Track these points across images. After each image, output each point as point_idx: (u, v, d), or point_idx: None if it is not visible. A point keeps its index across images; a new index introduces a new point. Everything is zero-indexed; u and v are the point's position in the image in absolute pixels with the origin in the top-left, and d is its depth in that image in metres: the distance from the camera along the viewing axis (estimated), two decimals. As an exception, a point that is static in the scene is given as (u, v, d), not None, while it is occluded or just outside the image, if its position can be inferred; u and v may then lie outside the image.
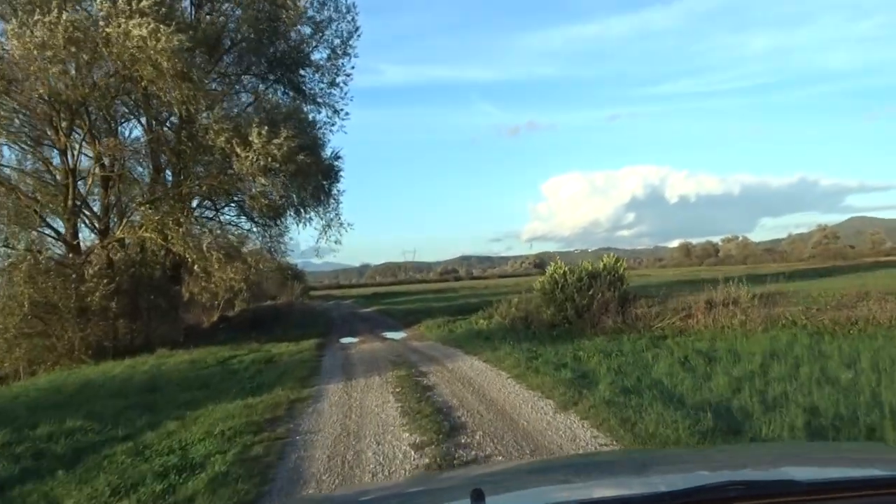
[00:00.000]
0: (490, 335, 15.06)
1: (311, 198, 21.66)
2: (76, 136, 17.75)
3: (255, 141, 16.11)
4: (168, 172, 20.21)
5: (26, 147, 18.04)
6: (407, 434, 6.49)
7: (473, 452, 5.77)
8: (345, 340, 18.27)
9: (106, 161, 18.44)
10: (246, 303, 31.80)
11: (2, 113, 16.41)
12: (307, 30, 20.47)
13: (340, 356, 14.43)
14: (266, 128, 16.34)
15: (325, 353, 15.24)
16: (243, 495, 4.92)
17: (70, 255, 17.54)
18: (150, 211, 17.82)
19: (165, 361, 14.13)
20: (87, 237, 18.83)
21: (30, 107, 16.03)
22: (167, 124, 19.74)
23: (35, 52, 14.26)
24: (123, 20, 14.50)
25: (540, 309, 16.72)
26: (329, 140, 22.43)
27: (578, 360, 10.30)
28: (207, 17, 18.68)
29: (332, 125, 22.09)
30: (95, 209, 19.18)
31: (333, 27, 20.69)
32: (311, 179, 19.81)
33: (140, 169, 20.91)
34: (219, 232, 20.13)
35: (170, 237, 16.96)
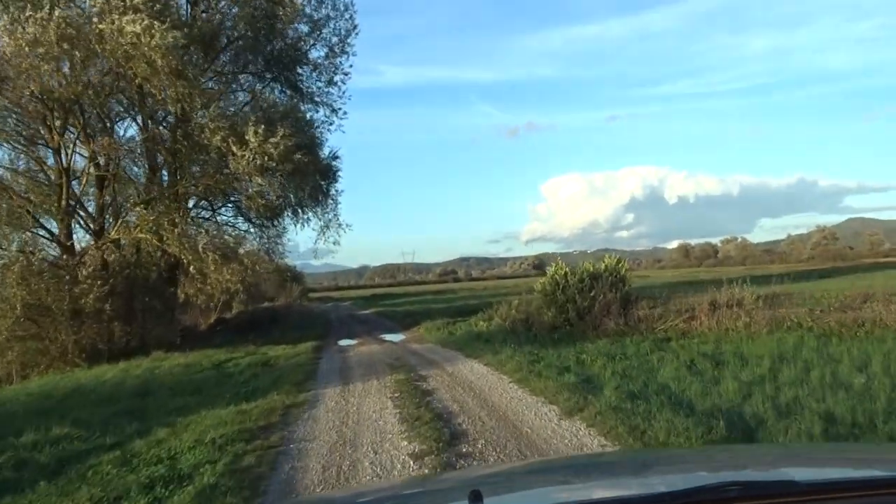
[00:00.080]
0: (490, 337, 14.81)
1: (309, 198, 21.40)
2: (70, 134, 17.48)
3: (252, 140, 15.85)
4: (164, 172, 19.97)
5: (20, 146, 17.77)
6: (405, 442, 6.22)
7: (475, 463, 5.52)
8: (343, 343, 18.01)
9: (101, 160, 18.16)
10: (244, 304, 31.59)
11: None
12: (304, 28, 20.25)
13: (338, 359, 14.17)
14: (262, 126, 16.08)
15: (322, 355, 14.98)
16: (232, 510, 4.66)
17: (64, 257, 17.26)
18: (145, 211, 17.56)
19: (160, 365, 13.85)
20: (81, 238, 18.58)
21: (22, 105, 15.75)
22: (163, 123, 19.47)
23: (27, 48, 14.02)
24: (117, 16, 14.26)
25: (541, 311, 16.46)
26: (327, 139, 22.22)
27: (582, 364, 10.04)
28: (203, 14, 18.43)
29: (330, 124, 21.85)
30: (90, 209, 18.92)
31: (331, 25, 20.46)
32: (309, 179, 19.54)
33: (135, 169, 20.66)
34: (215, 232, 19.87)
35: (165, 238, 16.67)
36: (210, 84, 19.32)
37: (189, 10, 18.36)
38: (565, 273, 16.27)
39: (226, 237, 19.75)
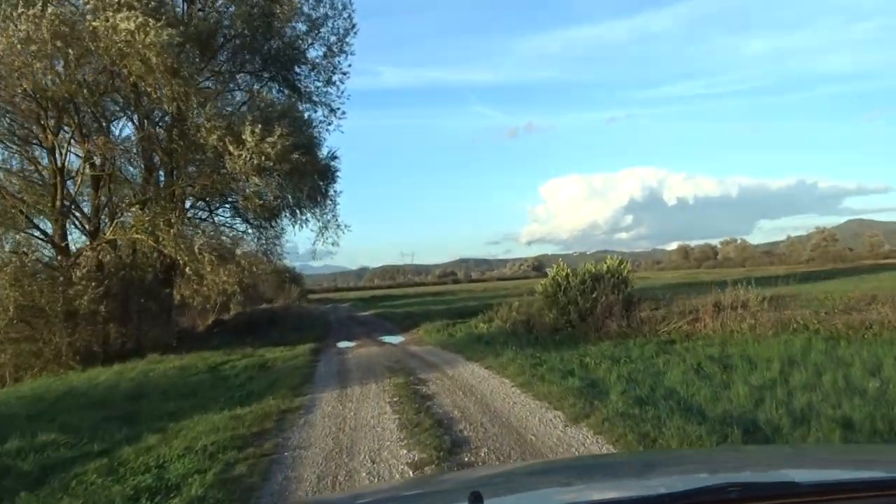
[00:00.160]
0: (491, 340, 14.56)
1: (308, 199, 21.11)
2: (65, 134, 17.21)
3: (249, 139, 15.61)
4: (161, 172, 19.72)
5: (13, 146, 17.50)
6: (405, 451, 5.96)
7: (478, 472, 5.25)
8: (341, 345, 17.76)
9: (97, 160, 17.91)
10: (241, 306, 31.34)
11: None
12: (302, 27, 20.04)
13: (336, 362, 13.91)
14: (259, 126, 15.84)
15: (320, 358, 14.73)
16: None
17: (58, 258, 17.00)
18: (140, 212, 17.31)
19: (154, 367, 13.60)
20: (77, 239, 18.30)
21: (14, 103, 15.49)
22: (159, 123, 19.22)
23: (19, 46, 13.77)
24: (111, 13, 14.02)
25: (542, 312, 16.24)
26: (325, 139, 21.96)
27: (586, 367, 9.78)
28: (199, 12, 18.22)
29: (329, 124, 21.63)
30: (86, 210, 18.66)
31: (329, 24, 20.25)
32: (307, 179, 19.27)
33: (131, 169, 20.38)
34: (212, 233, 19.62)
35: (161, 238, 16.42)
36: (207, 84, 19.11)
37: (185, 8, 18.14)
38: (567, 274, 16.04)
39: (223, 238, 19.52)
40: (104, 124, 18.52)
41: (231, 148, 15.88)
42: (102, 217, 18.52)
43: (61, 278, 15.99)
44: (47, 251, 17.53)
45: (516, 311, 17.41)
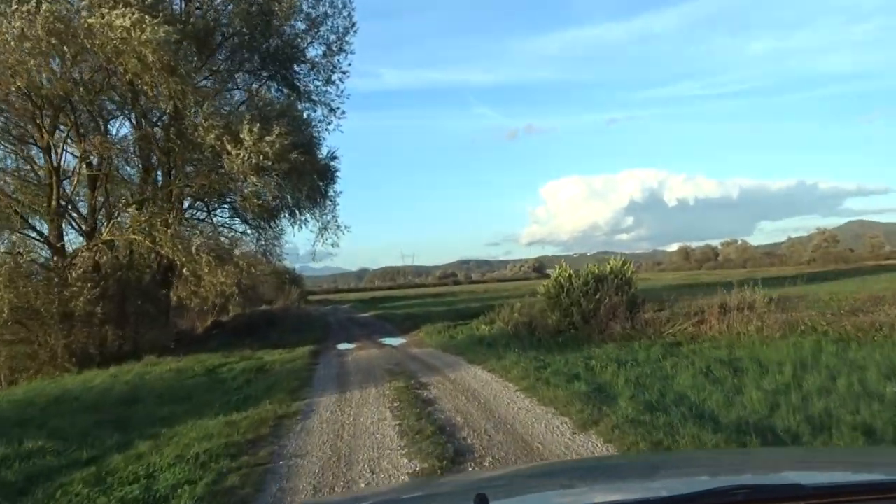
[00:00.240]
0: (493, 342, 14.30)
1: (307, 199, 20.90)
2: (61, 133, 16.98)
3: (247, 138, 15.38)
4: (158, 172, 19.49)
5: (8, 145, 17.25)
6: (405, 460, 5.69)
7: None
8: (341, 347, 17.51)
9: (94, 160, 17.67)
10: (241, 307, 31.09)
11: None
12: (301, 25, 19.82)
13: (335, 364, 13.66)
14: (258, 124, 15.61)
15: (319, 360, 14.47)
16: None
17: (54, 258, 16.76)
18: (137, 212, 17.06)
19: (151, 370, 13.35)
20: (74, 240, 18.05)
21: (8, 101, 15.24)
22: (157, 123, 18.99)
23: (13, 43, 13.53)
24: (106, 10, 13.78)
25: (544, 314, 15.99)
26: (325, 139, 21.74)
27: (591, 371, 9.51)
28: (197, 10, 17.98)
29: (328, 124, 21.40)
30: (83, 210, 18.41)
31: (329, 23, 20.02)
32: (306, 179, 19.04)
33: (129, 169, 20.15)
34: (210, 234, 19.38)
35: (158, 239, 16.17)
36: (206, 83, 18.88)
37: (183, 6, 17.89)
38: (570, 275, 15.80)
39: (221, 238, 19.29)
40: (101, 123, 18.29)
41: (229, 147, 15.65)
42: (99, 217, 18.27)
43: (57, 279, 15.77)
44: (44, 252, 17.29)
45: (518, 312, 17.17)
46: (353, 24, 20.22)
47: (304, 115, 20.56)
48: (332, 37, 20.19)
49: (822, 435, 5.42)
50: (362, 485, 5.12)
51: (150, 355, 15.36)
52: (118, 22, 13.59)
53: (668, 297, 17.55)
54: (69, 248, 17.34)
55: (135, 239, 16.88)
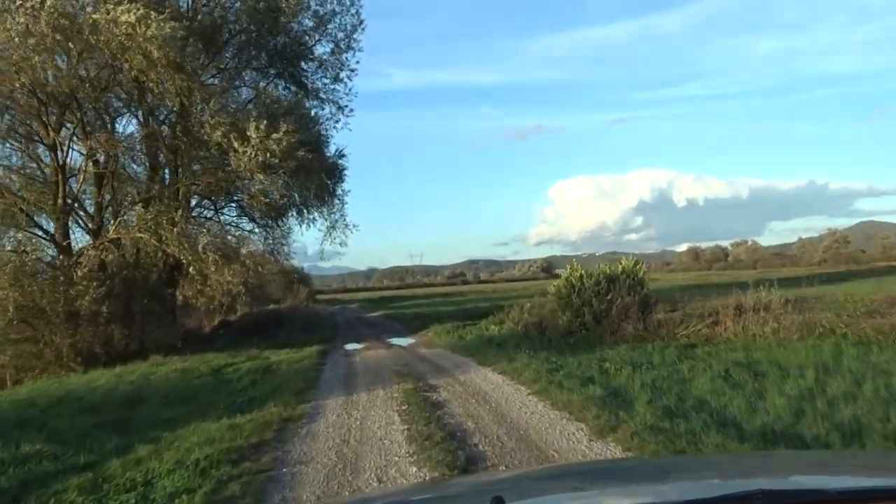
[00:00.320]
0: (503, 342, 14.04)
1: (315, 197, 20.68)
2: (67, 131, 16.82)
3: (253, 135, 15.18)
4: (165, 171, 19.35)
5: (15, 143, 17.12)
6: (414, 468, 5.43)
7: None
8: (349, 347, 17.29)
9: (100, 158, 17.53)
10: (249, 307, 30.93)
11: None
12: (309, 22, 19.57)
13: (343, 365, 13.44)
14: (265, 122, 15.41)
15: (327, 361, 14.26)
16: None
17: (60, 257, 16.61)
18: (143, 210, 16.91)
19: (156, 370, 13.18)
20: (80, 239, 17.90)
21: (13, 98, 15.08)
22: (164, 122, 18.83)
23: (17, 39, 13.37)
24: (112, 6, 13.60)
25: (555, 314, 15.72)
26: (333, 137, 21.49)
27: (606, 374, 9.23)
28: (204, 7, 17.77)
29: (336, 122, 21.15)
30: (89, 209, 18.27)
31: (337, 20, 19.79)
32: (314, 177, 18.83)
33: (135, 167, 20.02)
34: (217, 232, 19.22)
35: (164, 237, 15.99)
36: (213, 81, 18.73)
37: (189, 3, 17.70)
38: (581, 275, 15.52)
39: (228, 237, 19.12)
40: (107, 121, 18.15)
41: (236, 144, 15.47)
42: (106, 215, 18.14)
43: (62, 278, 15.62)
44: (50, 250, 17.15)
45: (528, 312, 16.91)
46: (362, 22, 20.01)
47: (312, 112, 20.38)
48: (340, 34, 19.98)
49: (854, 445, 5.15)
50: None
51: (156, 355, 15.19)
52: (123, 18, 13.42)
53: (679, 297, 17.26)
54: (75, 247, 17.19)
55: (141, 237, 16.72)
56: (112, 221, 17.92)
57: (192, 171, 18.66)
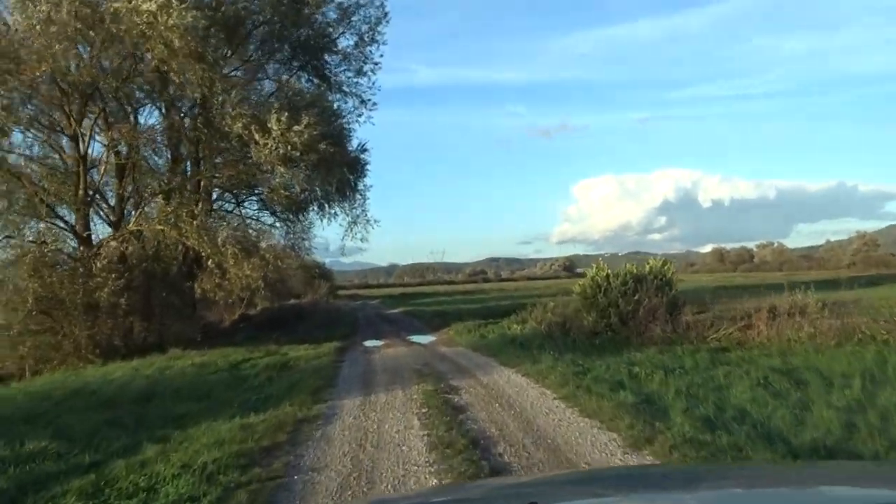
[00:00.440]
0: (526, 342, 13.63)
1: (336, 192, 20.42)
2: (89, 121, 16.71)
3: (274, 127, 14.94)
4: (187, 163, 19.21)
5: (39, 134, 17.06)
6: (434, 479, 5.02)
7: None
8: (368, 344, 17.00)
9: (122, 149, 17.42)
10: (269, 301, 30.80)
11: (14, 97, 15.39)
12: (333, 14, 19.35)
13: (362, 362, 13.14)
14: (286, 114, 15.16)
15: (345, 358, 13.96)
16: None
17: (81, 248, 16.53)
18: (163, 202, 16.76)
19: (173, 364, 12.98)
20: (102, 231, 17.81)
21: (35, 87, 14.96)
22: (186, 114, 18.66)
23: (38, 27, 13.24)
24: (133, -6, 13.42)
25: (579, 314, 15.27)
26: (355, 131, 21.18)
27: (636, 378, 8.77)
28: (228, -3, 17.55)
29: (359, 115, 20.86)
30: (111, 200, 18.19)
31: (361, 13, 19.53)
32: (336, 172, 18.55)
33: (157, 159, 19.90)
34: (237, 225, 19.05)
35: (184, 230, 15.82)
36: (237, 73, 18.56)
37: (213, -8, 17.48)
38: (607, 275, 15.07)
39: (249, 231, 18.95)
40: (129, 112, 18.04)
41: (257, 136, 15.25)
42: (127, 207, 18.04)
43: (82, 269, 15.51)
44: (70, 241, 17.08)
45: (551, 312, 16.47)
46: (386, 15, 19.69)
47: (335, 106, 20.10)
48: (364, 27, 19.70)
49: (920, 465, 4.67)
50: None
51: (175, 348, 15.05)
52: (144, 6, 13.25)
53: (710, 299, 16.72)
54: (95, 239, 17.09)
55: (162, 230, 16.57)
56: (133, 213, 17.82)
57: (213, 164, 18.48)
